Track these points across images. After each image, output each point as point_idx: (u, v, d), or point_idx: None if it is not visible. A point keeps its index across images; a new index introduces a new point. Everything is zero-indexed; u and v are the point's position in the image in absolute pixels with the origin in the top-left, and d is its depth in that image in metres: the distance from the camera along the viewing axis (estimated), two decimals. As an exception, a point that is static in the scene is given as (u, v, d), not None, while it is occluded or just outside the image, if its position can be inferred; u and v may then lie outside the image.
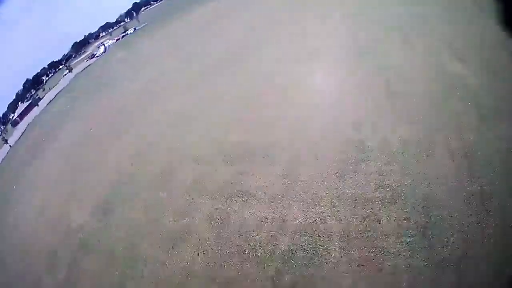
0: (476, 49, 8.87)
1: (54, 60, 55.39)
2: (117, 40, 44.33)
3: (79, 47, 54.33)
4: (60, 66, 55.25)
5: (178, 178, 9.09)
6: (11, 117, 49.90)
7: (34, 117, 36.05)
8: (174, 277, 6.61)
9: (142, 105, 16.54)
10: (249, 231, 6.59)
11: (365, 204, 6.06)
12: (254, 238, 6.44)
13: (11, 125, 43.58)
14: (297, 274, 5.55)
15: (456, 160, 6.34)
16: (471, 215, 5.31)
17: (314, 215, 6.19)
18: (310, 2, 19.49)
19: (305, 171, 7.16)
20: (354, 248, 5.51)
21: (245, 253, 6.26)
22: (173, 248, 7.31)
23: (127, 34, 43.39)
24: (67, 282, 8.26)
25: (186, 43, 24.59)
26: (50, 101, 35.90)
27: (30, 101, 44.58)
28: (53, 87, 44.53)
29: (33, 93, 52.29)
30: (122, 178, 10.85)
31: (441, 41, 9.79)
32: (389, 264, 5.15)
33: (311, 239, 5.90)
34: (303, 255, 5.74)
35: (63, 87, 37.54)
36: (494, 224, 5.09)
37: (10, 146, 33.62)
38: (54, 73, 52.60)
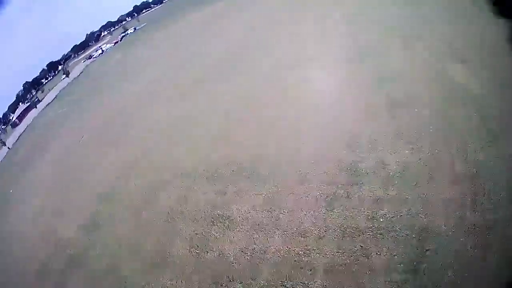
0: (478, 51, 8.54)
1: (53, 61, 57.00)
2: (115, 43, 45.10)
3: (78, 49, 55.70)
4: (59, 67, 56.76)
5: (161, 198, 9.00)
6: (11, 117, 51.69)
7: (32, 120, 37.15)
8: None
9: (131, 114, 16.77)
10: (228, 261, 6.31)
11: (354, 236, 5.67)
12: (233, 269, 6.15)
13: (11, 127, 45.17)
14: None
15: (459, 185, 5.87)
16: (471, 249, 4.88)
17: (298, 248, 5.84)
18: (309, 3, 19.21)
19: (291, 196, 6.80)
20: (337, 286, 5.16)
21: (222, 286, 6.01)
22: (153, 273, 7.18)
23: (127, 34, 44.08)
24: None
25: (182, 47, 24.74)
26: (48, 104, 36.91)
27: (29, 103, 45.98)
28: (52, 88, 45.85)
29: (33, 94, 53.97)
30: (108, 193, 10.96)
31: (443, 44, 9.43)
32: (375, 306, 4.79)
33: (292, 274, 5.55)
34: (282, 292, 5.41)
35: (60, 90, 38.52)
36: (496, 260, 4.65)
37: (8, 148, 34.81)
38: (53, 76, 54.05)
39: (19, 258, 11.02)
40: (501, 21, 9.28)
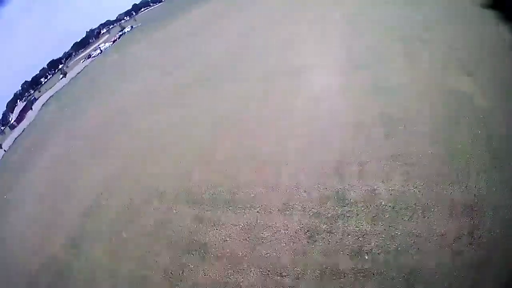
0: (482, 57, 8.13)
1: (54, 59, 58.45)
2: (114, 41, 45.91)
3: (79, 47, 56.94)
4: (60, 66, 58.13)
5: (140, 219, 8.90)
6: (10, 118, 53.28)
7: (29, 123, 38.19)
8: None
9: (119, 122, 16.87)
10: (201, 296, 6.12)
11: (334, 277, 5.33)
12: (205, 306, 5.97)
13: (9, 128, 46.63)
14: None
15: (457, 218, 5.48)
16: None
17: (273, 286, 5.58)
18: (309, 3, 18.82)
19: (271, 227, 6.49)
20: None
21: (193, 325, 5.82)
22: (129, 300, 7.17)
23: (124, 32, 44.81)
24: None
25: (176, 48, 24.82)
26: (43, 104, 37.84)
27: (26, 103, 47.26)
28: (49, 88, 47.01)
29: (31, 92, 55.48)
30: (92, 207, 11.06)
31: (446, 50, 8.99)
32: None
33: (265, 317, 5.32)
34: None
35: (57, 91, 39.43)
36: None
37: (4, 150, 35.94)
38: (53, 74, 55.51)
39: (8, 270, 11.37)
40: (502, 22, 8.90)
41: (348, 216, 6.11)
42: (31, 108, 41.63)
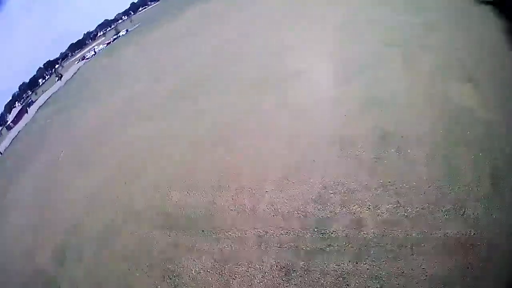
0: (482, 57, 7.89)
1: (50, 60, 59.82)
2: (108, 44, 46.69)
3: (75, 47, 58.12)
4: (56, 66, 59.32)
5: (118, 241, 8.80)
6: (7, 119, 54.66)
7: (25, 125, 39.08)
8: None
9: (102, 134, 17.02)
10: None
11: (309, 325, 5.08)
12: None
13: (6, 129, 47.83)
14: None
15: (450, 255, 5.13)
16: None
17: (243, 330, 5.34)
18: (309, 2, 18.54)
19: (245, 260, 6.24)
20: None
21: None
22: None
23: (119, 36, 45.59)
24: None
25: (170, 50, 24.97)
26: (39, 107, 38.63)
27: (22, 105, 48.40)
28: (46, 90, 48.01)
29: (28, 94, 56.79)
30: (76, 224, 11.08)
31: (446, 56, 8.70)
32: None
33: None
34: None
35: (52, 94, 40.24)
36: None
37: (0, 153, 36.80)
38: (50, 74, 56.82)
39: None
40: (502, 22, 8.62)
41: (328, 251, 5.79)
42: (27, 111, 42.57)
